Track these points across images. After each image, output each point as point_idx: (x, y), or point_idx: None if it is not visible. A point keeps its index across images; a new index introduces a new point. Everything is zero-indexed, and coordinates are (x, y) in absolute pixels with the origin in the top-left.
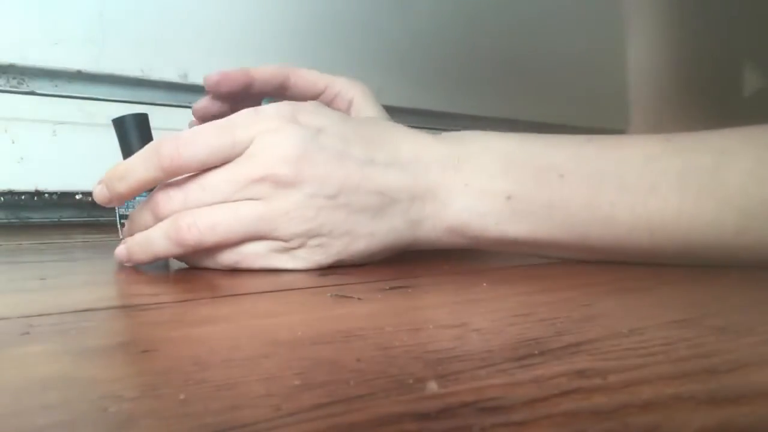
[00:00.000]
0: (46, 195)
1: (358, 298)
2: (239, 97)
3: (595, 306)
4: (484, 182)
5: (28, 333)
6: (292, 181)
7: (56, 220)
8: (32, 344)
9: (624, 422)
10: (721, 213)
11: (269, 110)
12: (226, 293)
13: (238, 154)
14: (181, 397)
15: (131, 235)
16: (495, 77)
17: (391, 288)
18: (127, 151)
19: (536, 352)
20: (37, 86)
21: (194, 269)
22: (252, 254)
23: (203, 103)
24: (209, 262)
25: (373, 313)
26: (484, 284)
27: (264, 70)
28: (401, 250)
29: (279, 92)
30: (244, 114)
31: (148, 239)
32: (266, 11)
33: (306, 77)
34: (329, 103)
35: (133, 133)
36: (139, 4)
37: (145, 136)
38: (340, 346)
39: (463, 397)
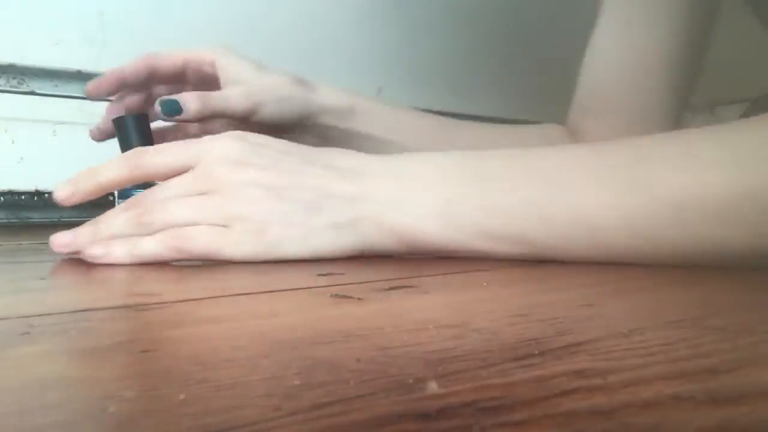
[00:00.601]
0: (46, 195)
1: (358, 298)
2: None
3: (595, 306)
4: (422, 188)
5: (28, 333)
6: (228, 179)
7: (56, 220)
8: (32, 344)
9: (624, 422)
10: (650, 206)
11: (224, 134)
12: (226, 293)
13: (194, 165)
14: (181, 397)
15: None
16: (495, 77)
17: (391, 288)
18: (127, 150)
19: (536, 352)
20: (37, 86)
21: (194, 270)
22: (193, 235)
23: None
24: (158, 247)
25: (373, 313)
26: (484, 284)
27: (128, 66)
28: (352, 252)
29: (150, 82)
30: (206, 137)
31: (107, 219)
32: (267, 12)
33: (165, 59)
34: (198, 75)
35: (133, 133)
36: (139, 4)
37: (145, 136)
38: (339, 346)
39: (463, 397)
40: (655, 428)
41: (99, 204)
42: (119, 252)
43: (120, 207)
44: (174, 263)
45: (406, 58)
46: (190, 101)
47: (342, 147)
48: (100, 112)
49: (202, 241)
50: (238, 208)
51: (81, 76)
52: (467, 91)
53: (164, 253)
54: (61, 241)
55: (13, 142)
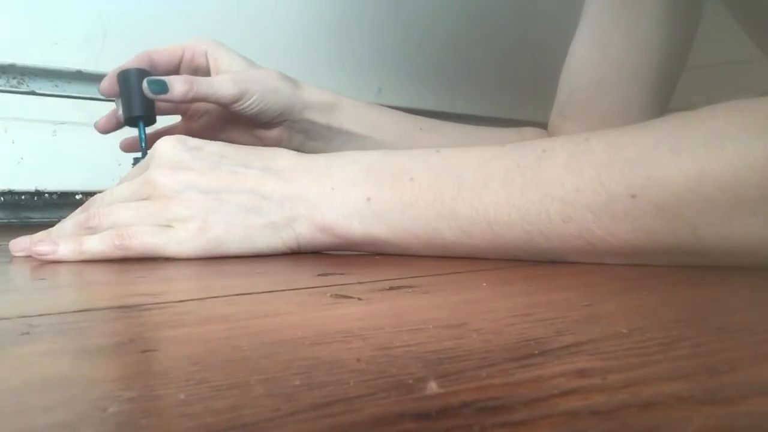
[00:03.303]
0: (46, 195)
1: (358, 298)
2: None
3: (595, 306)
4: (347, 187)
5: (28, 333)
6: (167, 184)
7: (56, 220)
8: (32, 344)
9: (624, 422)
10: (544, 203)
11: (163, 139)
12: (226, 293)
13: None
14: (181, 397)
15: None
16: (494, 78)
17: (391, 288)
18: (128, 104)
19: (536, 352)
20: (37, 86)
21: (194, 270)
22: (134, 234)
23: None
24: (102, 245)
25: (373, 313)
26: (484, 284)
27: (129, 63)
28: (289, 249)
29: (154, 72)
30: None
31: (59, 225)
32: (267, 12)
33: (163, 52)
34: (192, 65)
35: (135, 86)
36: (139, 4)
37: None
38: (340, 346)
39: (463, 397)
40: (655, 428)
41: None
42: (65, 249)
43: (72, 214)
44: (168, 261)
45: (406, 58)
46: (177, 82)
47: (324, 142)
48: (100, 112)
49: (145, 239)
50: (178, 211)
51: (81, 76)
52: (467, 92)
53: (107, 250)
54: (19, 246)
55: (13, 142)
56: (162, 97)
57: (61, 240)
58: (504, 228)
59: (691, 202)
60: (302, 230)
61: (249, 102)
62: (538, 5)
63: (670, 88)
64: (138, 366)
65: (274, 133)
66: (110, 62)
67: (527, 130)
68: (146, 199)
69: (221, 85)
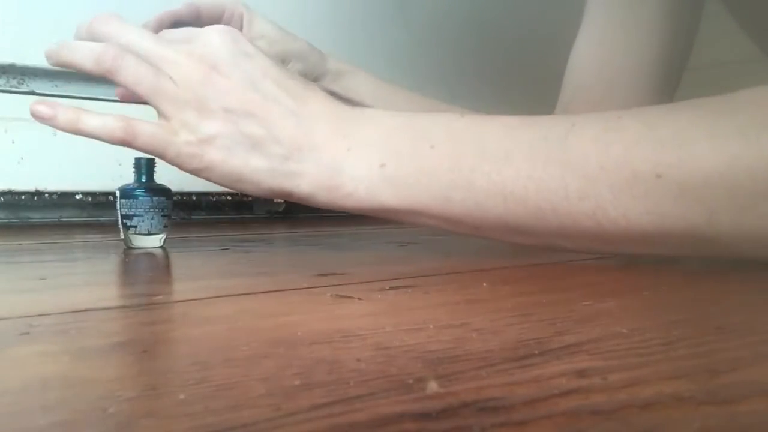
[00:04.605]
0: (46, 195)
1: (358, 298)
2: None
3: (595, 306)
4: (363, 150)
5: (28, 333)
6: (199, 80)
7: (56, 220)
8: (32, 344)
9: (624, 422)
10: (565, 179)
11: (215, 29)
12: (226, 293)
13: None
14: (181, 397)
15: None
16: (495, 80)
17: (391, 288)
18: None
19: (536, 352)
20: (37, 86)
21: (194, 270)
22: (141, 128)
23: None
24: (104, 128)
25: (373, 313)
26: (484, 284)
27: (183, 8)
28: (278, 199)
29: (198, 23)
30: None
31: (75, 46)
32: (266, 12)
33: (208, 8)
34: (231, 24)
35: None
36: (140, 4)
37: None
38: (340, 346)
39: (463, 397)
40: (655, 428)
41: (99, 204)
42: (63, 118)
43: (94, 29)
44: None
45: (407, 60)
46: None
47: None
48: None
49: (149, 133)
50: (190, 114)
51: (81, 76)
52: (467, 93)
53: (104, 135)
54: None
55: (13, 142)
56: None
57: (61, 107)
58: (518, 202)
59: (717, 186)
60: (303, 185)
61: (289, 67)
62: (539, 8)
63: (673, 86)
64: (138, 366)
65: None
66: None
67: None
68: (172, 78)
69: (258, 43)
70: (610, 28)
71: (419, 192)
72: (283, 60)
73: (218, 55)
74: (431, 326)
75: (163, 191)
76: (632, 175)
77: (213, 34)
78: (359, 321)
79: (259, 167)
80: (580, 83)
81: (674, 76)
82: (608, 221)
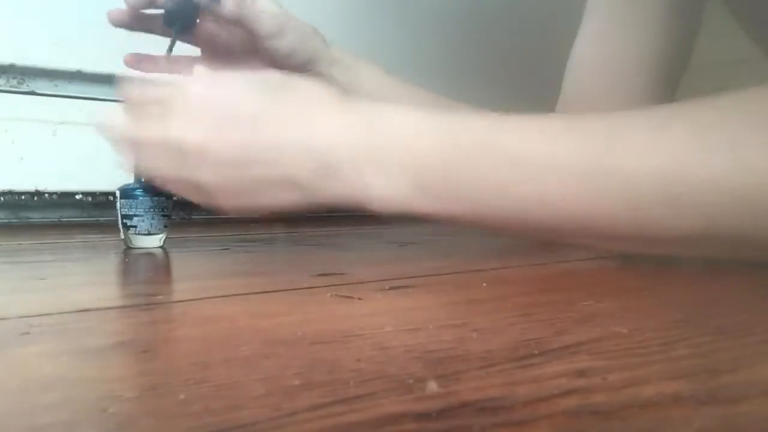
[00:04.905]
0: (46, 195)
1: (358, 298)
2: None
3: (595, 306)
4: (390, 169)
5: (28, 333)
6: (187, 138)
7: (56, 220)
8: (32, 344)
9: (624, 422)
10: (608, 187)
11: (193, 84)
12: (226, 293)
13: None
14: (181, 397)
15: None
16: (496, 78)
17: (391, 288)
18: (170, 22)
19: (536, 352)
20: (37, 86)
21: (194, 270)
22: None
23: None
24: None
25: (373, 313)
26: (484, 284)
27: None
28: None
29: None
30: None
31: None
32: None
33: None
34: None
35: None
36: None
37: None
38: (339, 346)
39: (463, 397)
40: (655, 428)
41: (99, 204)
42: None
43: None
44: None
45: (407, 59)
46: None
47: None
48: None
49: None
50: (190, 171)
51: (81, 76)
52: (467, 93)
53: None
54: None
55: (13, 142)
56: (213, 7)
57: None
58: (560, 209)
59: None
60: (329, 193)
61: (282, 42)
62: (539, 6)
63: (674, 86)
64: (138, 366)
65: None
66: (110, 62)
67: None
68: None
69: (263, 16)
70: (611, 27)
71: (456, 200)
72: (280, 31)
73: (200, 103)
74: (431, 326)
75: (163, 191)
76: (680, 182)
77: (192, 85)
78: (359, 321)
79: (287, 201)
80: (580, 82)
81: (675, 75)
82: (655, 226)
